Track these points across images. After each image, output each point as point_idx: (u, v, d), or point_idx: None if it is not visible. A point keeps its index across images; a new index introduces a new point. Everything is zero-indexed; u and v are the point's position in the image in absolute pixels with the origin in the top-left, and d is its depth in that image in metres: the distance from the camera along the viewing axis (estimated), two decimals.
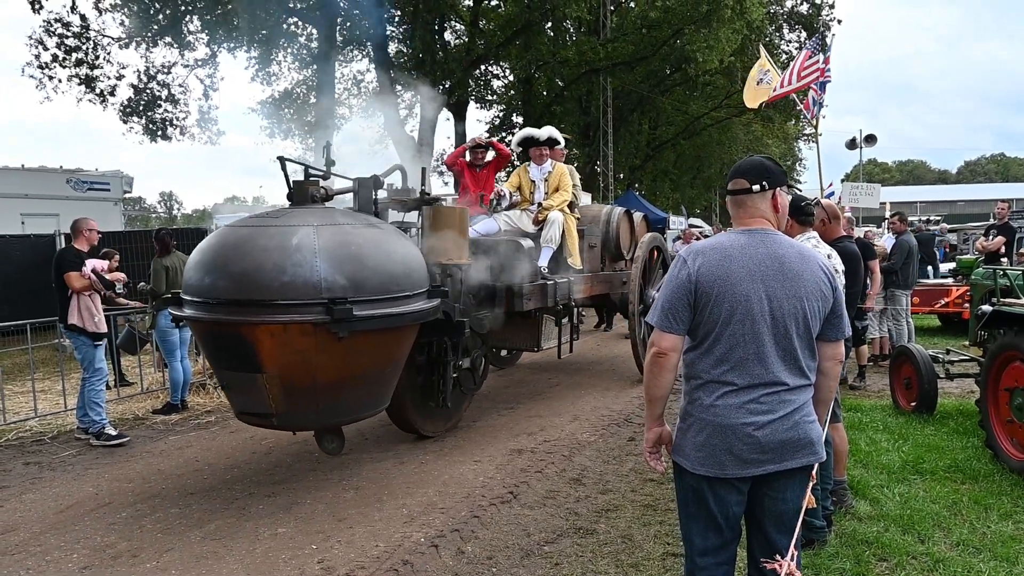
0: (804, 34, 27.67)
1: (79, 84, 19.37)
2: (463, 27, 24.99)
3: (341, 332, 4.08)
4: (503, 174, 10.92)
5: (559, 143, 8.02)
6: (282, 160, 4.95)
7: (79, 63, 19.22)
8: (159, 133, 21.07)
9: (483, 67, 26.76)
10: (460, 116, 23.57)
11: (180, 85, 21.39)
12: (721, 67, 23.44)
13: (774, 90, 11.02)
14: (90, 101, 19.72)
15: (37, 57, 18.91)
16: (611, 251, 8.79)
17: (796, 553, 2.27)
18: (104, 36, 19.67)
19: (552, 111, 27.16)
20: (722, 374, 2.34)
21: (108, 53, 19.88)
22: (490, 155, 8.05)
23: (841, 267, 3.88)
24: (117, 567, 3.86)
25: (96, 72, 19.64)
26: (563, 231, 7.41)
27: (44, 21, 18.66)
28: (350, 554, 4.00)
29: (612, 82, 25.91)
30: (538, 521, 4.46)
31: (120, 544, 4.15)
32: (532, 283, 6.63)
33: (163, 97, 21.06)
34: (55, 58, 19.01)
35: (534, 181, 7.82)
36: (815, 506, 3.08)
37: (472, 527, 4.36)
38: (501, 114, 30.48)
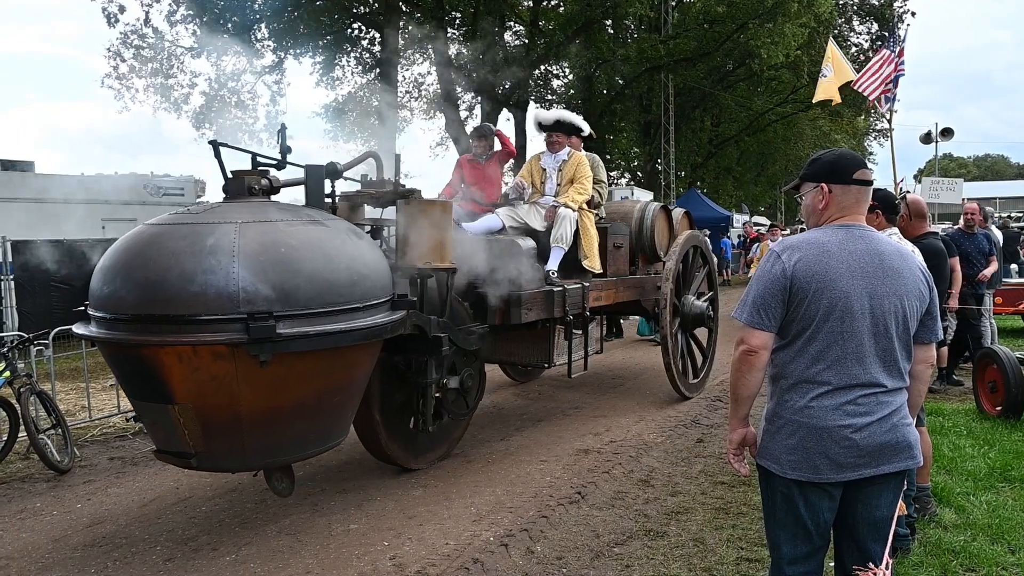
0: (875, 26, 26.79)
1: (155, 93, 20.16)
2: (523, 28, 25.05)
3: (262, 355, 3.33)
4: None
5: (580, 130, 6.91)
6: (215, 145, 4.06)
7: (155, 73, 20.00)
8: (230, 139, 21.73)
9: (543, 67, 26.77)
10: (521, 116, 23.61)
11: (249, 92, 22.05)
12: (787, 62, 22.89)
13: (855, 84, 10.62)
14: (165, 109, 20.52)
15: (115, 68, 19.77)
16: (646, 252, 7.81)
17: (890, 562, 2.19)
18: (178, 46, 20.44)
19: (613, 109, 27.02)
20: (817, 374, 2.26)
21: (181, 63, 20.66)
22: (496, 145, 7.15)
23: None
24: (198, 559, 3.98)
25: (170, 81, 20.42)
26: (577, 229, 6.40)
27: (121, 33, 19.51)
28: (421, 551, 4.04)
29: (673, 79, 25.61)
30: (607, 522, 4.42)
31: (201, 537, 4.28)
32: (533, 290, 5.63)
33: (233, 104, 21.73)
34: (132, 69, 19.84)
35: (545, 170, 6.74)
36: (904, 513, 2.97)
37: (541, 527, 4.35)
38: None
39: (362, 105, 24.54)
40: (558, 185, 6.61)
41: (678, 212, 8.61)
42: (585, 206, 6.55)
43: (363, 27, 23.10)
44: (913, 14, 26.60)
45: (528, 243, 5.82)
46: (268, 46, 21.60)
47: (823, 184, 2.40)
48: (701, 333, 8.23)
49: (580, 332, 6.50)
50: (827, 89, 10.67)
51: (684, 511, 4.56)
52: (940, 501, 4.50)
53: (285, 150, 4.24)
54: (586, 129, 6.92)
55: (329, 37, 22.55)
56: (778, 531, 2.38)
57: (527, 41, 24.20)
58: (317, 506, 4.75)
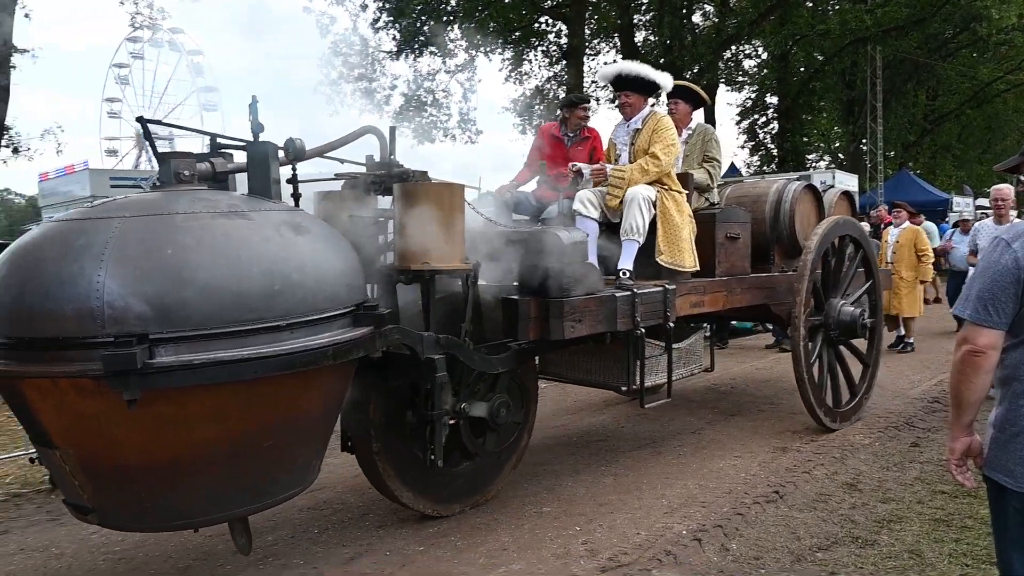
0: None
1: (361, 97, 21.77)
2: (712, 8, 24.17)
3: (127, 392, 2.53)
4: None
5: (657, 87, 5.32)
6: (143, 121, 3.34)
7: (360, 78, 21.59)
8: (426, 136, 23.01)
9: (734, 47, 25.68)
10: (709, 100, 22.84)
11: (443, 90, 23.18)
12: (1021, 22, 20.22)
13: None
14: (368, 111, 22.10)
15: (327, 76, 21.55)
16: (784, 243, 6.33)
17: None
18: (380, 51, 21.93)
19: (811, 88, 25.38)
20: None
21: (383, 66, 22.14)
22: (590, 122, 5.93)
23: None
24: (405, 528, 4.28)
25: (373, 85, 21.96)
26: (655, 216, 5.01)
27: (331, 43, 21.26)
28: (612, 539, 4.07)
29: (881, 51, 23.51)
30: (808, 525, 4.20)
31: (407, 508, 4.59)
32: (581, 296, 4.35)
33: (428, 103, 22.95)
34: (341, 75, 21.54)
35: (616, 144, 5.43)
36: None
37: (735, 524, 4.22)
38: (753, 95, 29.05)
39: (548, 98, 24.95)
40: (631, 159, 5.25)
41: (832, 193, 7.14)
42: (672, 184, 5.16)
43: (550, 20, 23.42)
44: None
45: (575, 235, 4.50)
46: (460, 45, 22.56)
47: None
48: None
49: (662, 347, 5.07)
50: None
51: (897, 519, 4.22)
52: None
53: (256, 128, 3.37)
54: (665, 83, 5.36)
55: (517, 32, 23.12)
56: (1011, 551, 2.14)
57: (717, 21, 23.33)
58: (511, 487, 4.90)
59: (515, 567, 3.76)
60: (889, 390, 7.42)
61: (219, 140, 3.42)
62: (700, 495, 4.69)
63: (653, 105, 5.44)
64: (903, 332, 10.03)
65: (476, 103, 23.69)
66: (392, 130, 3.95)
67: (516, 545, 4.02)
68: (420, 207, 3.67)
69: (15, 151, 15.84)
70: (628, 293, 4.64)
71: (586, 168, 5.31)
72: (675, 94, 5.96)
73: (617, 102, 5.42)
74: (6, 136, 12.76)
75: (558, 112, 6.18)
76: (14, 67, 10.50)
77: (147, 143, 3.45)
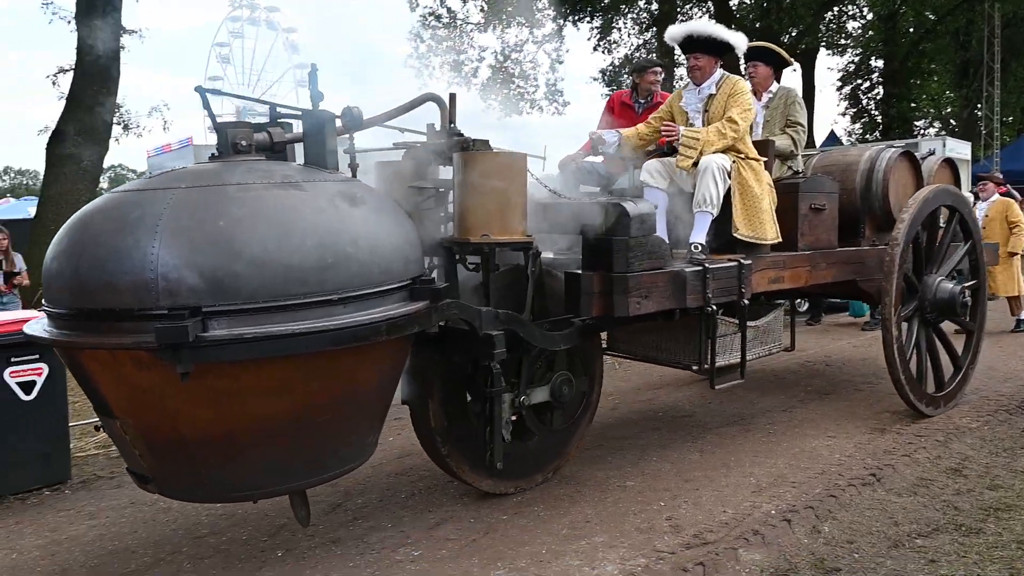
0: None
1: (450, 70, 21.90)
2: None
3: (180, 365, 2.53)
4: None
5: (729, 47, 4.94)
6: (202, 91, 3.26)
7: (448, 50, 21.73)
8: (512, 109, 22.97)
9: (836, 8, 24.39)
10: (808, 66, 21.84)
11: (530, 61, 23.05)
12: None
13: None
14: (456, 83, 22.21)
15: (415, 49, 21.77)
16: (876, 214, 5.83)
17: None
18: (467, 23, 21.95)
19: (921, 50, 23.88)
20: None
21: (471, 38, 22.17)
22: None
23: None
24: (489, 496, 4.31)
25: (461, 57, 22.05)
26: (731, 186, 4.68)
27: (420, 16, 21.43)
28: (697, 516, 4.01)
29: (1000, 8, 21.82)
30: (907, 510, 4.01)
31: None
32: (650, 271, 4.10)
33: (516, 74, 22.88)
34: (430, 48, 21.72)
35: (687, 113, 5.05)
36: None
37: (828, 506, 4.08)
38: (856, 59, 27.55)
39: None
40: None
41: (931, 161, 6.52)
42: (749, 152, 4.81)
43: None
44: None
45: (643, 206, 4.21)
46: (548, 15, 22.32)
47: None
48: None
49: (736, 325, 4.80)
50: None
51: (1006, 508, 3.99)
52: None
53: (316, 97, 3.26)
54: (740, 43, 4.98)
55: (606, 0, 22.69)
56: None
57: None
58: (595, 460, 4.90)
59: (597, 539, 3.76)
60: (999, 371, 6.99)
61: (278, 110, 3.37)
62: (791, 475, 4.55)
63: (745, 74, 5.20)
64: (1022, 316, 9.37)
65: (563, 74, 23.39)
66: (452, 97, 3.78)
67: (599, 518, 4.02)
68: (481, 177, 3.51)
69: (125, 128, 16.74)
70: (699, 268, 4.35)
71: (608, 135, 5.04)
72: (754, 56, 5.63)
73: (687, 66, 5.07)
74: (117, 114, 13.49)
75: (632, 80, 5.98)
76: (124, 47, 11.02)
77: (209, 115, 3.33)
